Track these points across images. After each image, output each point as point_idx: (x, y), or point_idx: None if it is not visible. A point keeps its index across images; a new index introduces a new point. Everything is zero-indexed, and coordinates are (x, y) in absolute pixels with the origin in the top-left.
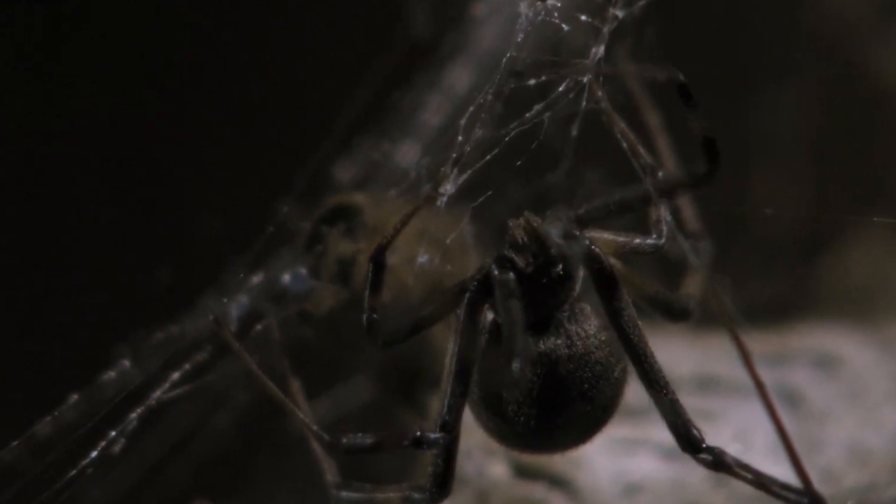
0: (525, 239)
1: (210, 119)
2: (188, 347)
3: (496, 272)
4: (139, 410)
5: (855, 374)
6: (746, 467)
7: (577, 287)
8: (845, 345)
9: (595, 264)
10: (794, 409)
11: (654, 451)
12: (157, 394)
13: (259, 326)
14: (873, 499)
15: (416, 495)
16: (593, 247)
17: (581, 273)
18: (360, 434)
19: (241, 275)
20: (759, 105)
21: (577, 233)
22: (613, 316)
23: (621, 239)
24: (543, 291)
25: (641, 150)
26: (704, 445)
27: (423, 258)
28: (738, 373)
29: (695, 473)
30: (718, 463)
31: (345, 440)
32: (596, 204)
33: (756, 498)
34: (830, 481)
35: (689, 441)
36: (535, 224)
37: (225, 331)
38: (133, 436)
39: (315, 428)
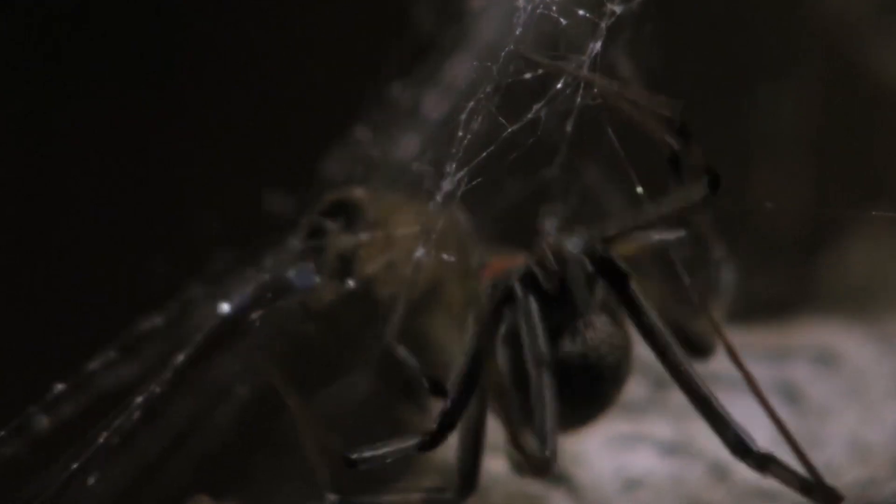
0: (552, 264)
1: (210, 118)
2: (188, 344)
3: (519, 291)
4: (139, 406)
5: (855, 370)
6: (789, 471)
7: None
8: (845, 341)
9: (619, 289)
10: (794, 404)
11: (653, 447)
12: (157, 390)
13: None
14: (873, 494)
15: (443, 495)
16: (621, 268)
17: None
18: (368, 447)
19: (251, 270)
20: (759, 104)
21: (606, 255)
22: (646, 335)
23: (647, 240)
24: (563, 306)
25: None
26: (754, 451)
27: (421, 252)
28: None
29: (694, 469)
30: (765, 467)
31: (356, 455)
32: (620, 223)
33: (756, 494)
34: (830, 477)
35: (737, 446)
36: (564, 252)
37: (267, 364)
38: (132, 433)
39: (331, 448)
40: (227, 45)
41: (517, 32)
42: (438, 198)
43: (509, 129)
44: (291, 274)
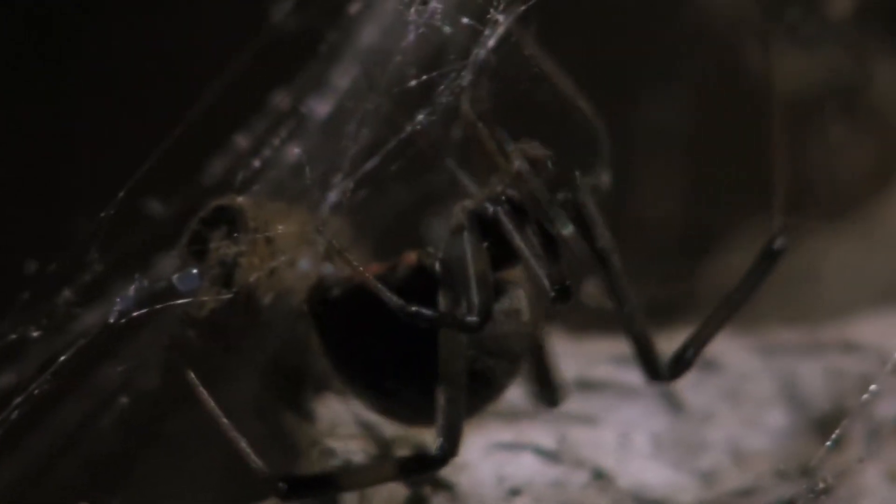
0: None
1: (89, 123)
2: (70, 348)
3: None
4: (18, 406)
5: (736, 376)
6: None
7: None
8: (727, 347)
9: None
10: (675, 411)
11: (535, 455)
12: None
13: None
14: (756, 500)
15: (427, 455)
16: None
17: None
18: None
19: (136, 275)
20: (643, 105)
21: None
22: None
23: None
24: None
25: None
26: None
27: (305, 262)
28: (620, 376)
29: (577, 477)
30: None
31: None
32: None
33: (638, 501)
34: (713, 483)
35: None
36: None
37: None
38: (17, 437)
39: (261, 466)
40: (111, 50)
41: (403, 44)
42: (325, 208)
43: (394, 140)
44: (175, 278)
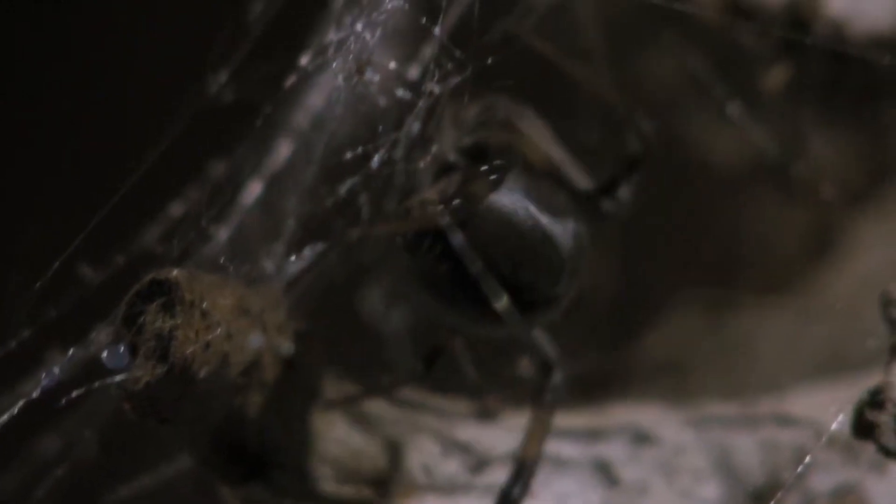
0: None
1: (23, 182)
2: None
3: None
4: None
5: (671, 449)
6: None
7: None
8: (662, 421)
9: None
10: (610, 484)
11: None
12: None
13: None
14: None
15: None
16: None
17: None
18: None
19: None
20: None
21: None
22: None
23: None
24: None
25: None
26: None
27: (240, 334)
28: (555, 448)
29: None
30: None
31: None
32: None
33: None
34: None
35: None
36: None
37: None
38: None
39: None
40: (46, 115)
41: (336, 112)
42: (262, 279)
43: (325, 212)
44: (109, 353)
